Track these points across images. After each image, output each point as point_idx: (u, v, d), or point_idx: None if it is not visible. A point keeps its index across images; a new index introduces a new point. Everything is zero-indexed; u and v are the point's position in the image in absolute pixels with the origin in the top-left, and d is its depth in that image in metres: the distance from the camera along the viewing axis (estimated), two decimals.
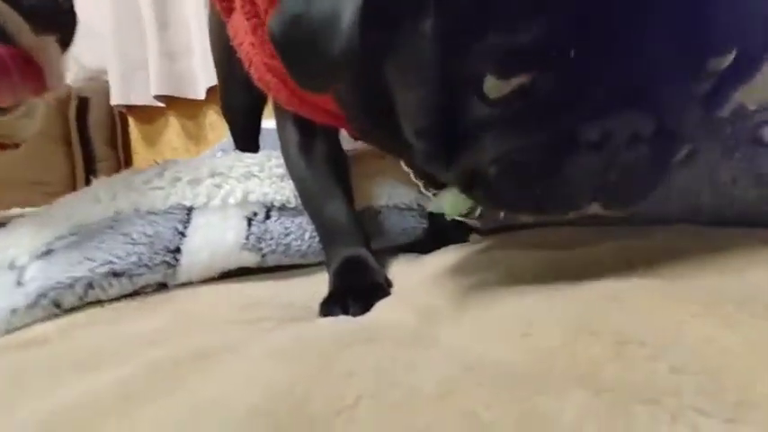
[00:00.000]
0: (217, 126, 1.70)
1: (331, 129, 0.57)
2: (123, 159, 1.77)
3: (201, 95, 1.62)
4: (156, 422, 0.19)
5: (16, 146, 0.57)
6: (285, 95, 0.51)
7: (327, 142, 0.56)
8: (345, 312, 0.43)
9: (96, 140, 1.65)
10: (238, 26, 0.56)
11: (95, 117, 1.66)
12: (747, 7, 0.24)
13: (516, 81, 0.24)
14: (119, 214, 0.51)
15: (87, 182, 1.78)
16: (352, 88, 0.37)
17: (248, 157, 0.60)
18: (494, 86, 0.24)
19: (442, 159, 0.30)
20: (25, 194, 1.32)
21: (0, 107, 0.48)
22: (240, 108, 0.91)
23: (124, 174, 0.56)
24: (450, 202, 0.34)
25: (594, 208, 0.29)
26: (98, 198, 0.53)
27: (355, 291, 0.46)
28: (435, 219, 0.68)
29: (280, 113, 0.57)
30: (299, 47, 0.30)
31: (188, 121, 1.74)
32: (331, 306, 0.45)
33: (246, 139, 0.93)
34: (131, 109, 1.73)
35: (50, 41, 0.45)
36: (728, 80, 0.26)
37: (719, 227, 0.36)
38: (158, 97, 1.64)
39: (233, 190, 0.55)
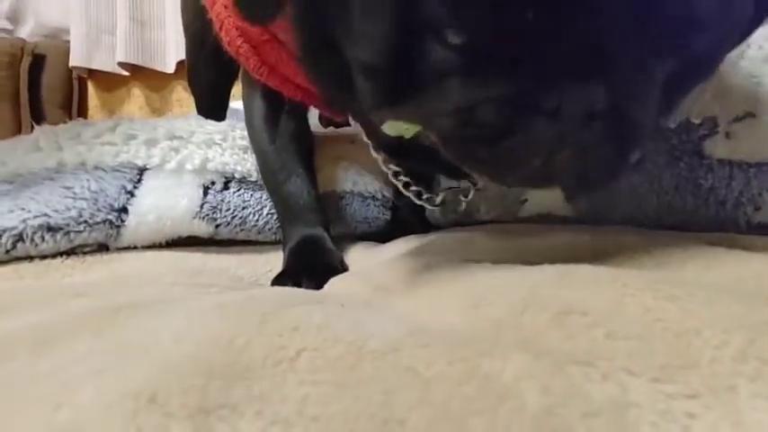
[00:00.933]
0: (184, 102, 1.63)
1: (299, 106, 0.56)
2: None
3: (171, 69, 1.56)
4: (76, 360, 0.18)
5: None
6: (254, 63, 0.50)
7: (294, 119, 0.55)
8: (298, 287, 0.42)
9: (48, 102, 1.54)
10: None
11: (50, 77, 1.55)
12: None
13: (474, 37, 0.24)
14: (62, 166, 0.47)
15: None
16: (299, 20, 0.35)
17: (211, 124, 0.58)
18: (456, 35, 0.24)
19: (390, 101, 0.29)
20: None
21: None
22: (208, 81, 0.87)
23: (71, 124, 0.52)
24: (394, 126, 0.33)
25: (555, 196, 0.29)
26: (39, 146, 0.49)
27: (310, 268, 0.45)
28: (397, 211, 0.68)
29: (248, 84, 0.55)
30: None
31: (153, 93, 1.66)
32: (283, 281, 0.43)
33: (212, 114, 0.89)
34: (92, 74, 1.63)
35: None
36: (682, 81, 0.27)
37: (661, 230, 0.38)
38: (123, 65, 1.56)
39: (191, 155, 0.52)
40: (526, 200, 0.49)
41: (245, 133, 0.57)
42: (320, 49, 0.34)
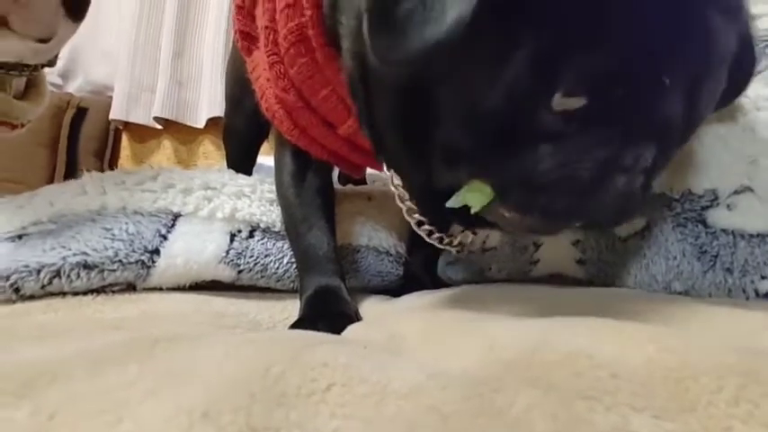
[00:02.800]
0: (210, 155, 1.73)
1: (324, 164, 0.60)
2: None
3: (201, 124, 1.67)
4: (130, 381, 0.20)
5: (22, 126, 0.59)
6: (288, 126, 0.55)
7: (320, 176, 0.59)
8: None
9: (84, 150, 1.65)
10: (258, 62, 0.61)
11: (89, 128, 1.67)
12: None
13: (580, 101, 0.29)
14: (104, 209, 0.51)
15: None
16: (403, 88, 0.37)
17: (242, 178, 0.62)
18: (560, 102, 0.29)
19: (486, 162, 0.33)
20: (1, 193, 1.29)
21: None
22: (242, 136, 0.94)
23: (116, 172, 0.57)
24: (473, 195, 0.36)
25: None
26: (85, 190, 0.53)
27: (326, 316, 0.46)
28: (410, 267, 0.70)
29: (280, 143, 0.61)
30: (393, 20, 0.31)
31: (182, 146, 1.77)
32: (300, 327, 0.45)
33: (242, 168, 0.95)
34: (128, 126, 1.75)
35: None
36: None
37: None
38: (158, 119, 1.67)
39: (222, 205, 0.56)
40: (538, 260, 0.51)
41: (273, 187, 0.61)
42: (407, 122, 0.38)
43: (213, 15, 1.65)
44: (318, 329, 0.43)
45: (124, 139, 1.78)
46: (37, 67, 0.62)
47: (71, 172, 1.61)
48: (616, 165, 0.30)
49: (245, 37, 0.68)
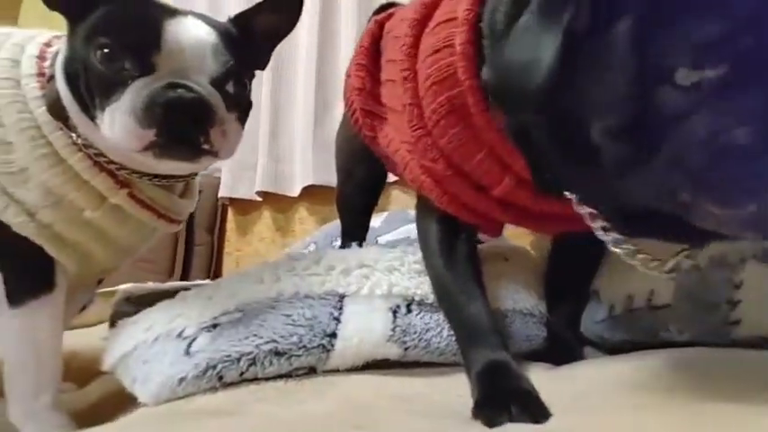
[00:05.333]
0: (305, 221, 1.83)
1: (471, 229, 0.61)
2: (216, 245, 1.92)
3: (296, 193, 1.79)
4: None
5: (179, 223, 0.66)
6: (437, 194, 0.57)
7: (467, 242, 0.60)
8: (511, 420, 0.42)
9: (198, 225, 1.83)
10: (393, 137, 0.66)
11: (202, 205, 1.86)
12: None
13: (709, 72, 0.29)
14: (280, 295, 0.55)
15: (185, 262, 1.90)
16: (544, 116, 0.43)
17: (388, 251, 0.65)
18: (686, 76, 0.30)
19: (638, 155, 0.33)
20: (132, 271, 1.44)
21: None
22: (354, 205, 1.00)
23: (286, 258, 0.62)
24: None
25: None
26: (262, 279, 0.58)
27: (512, 397, 0.44)
28: (551, 327, 0.67)
29: (423, 211, 0.62)
30: (506, 87, 0.41)
31: (279, 214, 1.89)
32: (489, 411, 0.43)
33: (355, 235, 1.00)
34: (233, 201, 1.93)
35: (235, 120, 0.57)
36: None
37: None
38: (258, 192, 1.83)
39: (379, 281, 0.58)
40: (739, 320, 0.46)
41: (418, 256, 0.62)
42: (561, 142, 0.42)
43: (301, 95, 1.81)
44: (511, 413, 0.42)
45: (230, 212, 1.95)
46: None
47: (190, 247, 1.77)
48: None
49: (367, 115, 0.75)
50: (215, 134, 0.52)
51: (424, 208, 0.62)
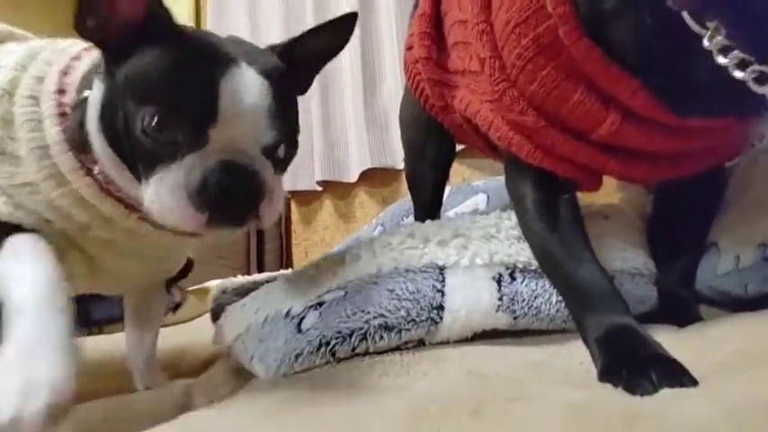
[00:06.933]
0: (366, 204, 1.84)
1: (571, 187, 0.57)
2: (285, 237, 1.99)
3: (354, 179, 1.80)
4: None
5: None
6: (528, 149, 0.53)
7: (569, 203, 0.56)
8: (653, 384, 0.38)
9: None
10: (470, 99, 0.62)
11: None
12: None
13: None
14: (380, 271, 0.55)
15: (259, 257, 1.98)
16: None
17: (482, 218, 0.62)
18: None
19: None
20: (213, 268, 1.53)
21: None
22: (426, 181, 0.97)
23: (382, 235, 0.61)
24: None
25: None
26: (359, 256, 0.58)
27: (648, 361, 0.41)
28: (663, 285, 0.61)
29: (515, 173, 0.58)
30: None
31: (339, 201, 1.92)
32: (624, 375, 0.40)
33: (430, 211, 0.98)
34: (294, 194, 1.97)
35: (280, 180, 0.53)
36: None
37: None
38: (318, 182, 1.85)
39: (478, 251, 0.56)
40: None
41: (514, 222, 0.59)
42: None
43: (349, 80, 1.80)
44: (651, 378, 0.39)
45: (292, 205, 2.00)
46: None
47: (261, 242, 1.85)
48: None
49: (435, 84, 0.72)
50: (263, 206, 0.47)
51: (516, 169, 0.58)
